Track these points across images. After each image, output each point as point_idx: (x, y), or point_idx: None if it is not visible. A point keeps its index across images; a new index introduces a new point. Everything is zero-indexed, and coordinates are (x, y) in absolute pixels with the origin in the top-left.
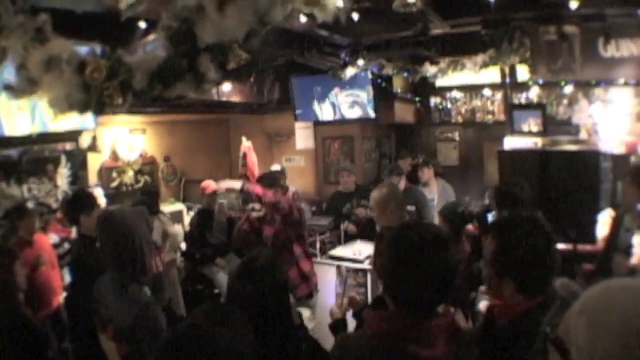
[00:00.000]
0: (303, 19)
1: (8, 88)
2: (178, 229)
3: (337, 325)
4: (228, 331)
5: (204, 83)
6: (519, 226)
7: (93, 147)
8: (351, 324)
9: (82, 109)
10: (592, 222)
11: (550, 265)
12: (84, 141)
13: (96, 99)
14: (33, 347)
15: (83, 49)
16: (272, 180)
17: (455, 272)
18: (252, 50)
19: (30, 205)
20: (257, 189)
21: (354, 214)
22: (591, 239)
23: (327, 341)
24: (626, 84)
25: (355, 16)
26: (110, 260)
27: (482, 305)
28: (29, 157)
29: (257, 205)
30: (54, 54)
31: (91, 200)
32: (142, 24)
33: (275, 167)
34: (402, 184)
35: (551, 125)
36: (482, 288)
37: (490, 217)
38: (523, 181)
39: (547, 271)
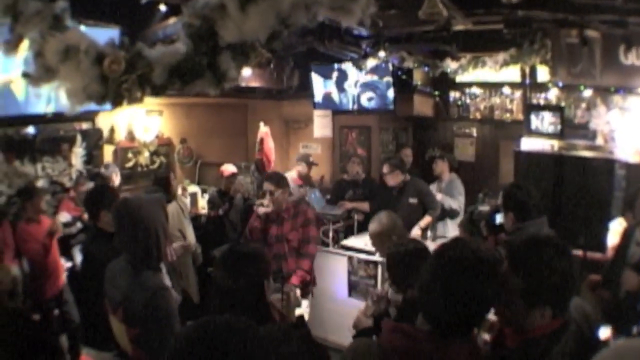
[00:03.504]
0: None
1: (26, 75)
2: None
3: (363, 335)
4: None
5: (224, 81)
6: (543, 252)
7: (110, 140)
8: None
9: (100, 100)
10: (603, 230)
11: (576, 283)
12: (101, 125)
13: (114, 92)
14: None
15: (102, 34)
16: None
17: (496, 298)
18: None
19: (40, 184)
20: None
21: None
22: (600, 247)
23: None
24: None
25: (380, 22)
26: (126, 246)
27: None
28: (44, 136)
29: (265, 201)
30: (72, 43)
31: (113, 195)
32: (162, 7)
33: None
34: (401, 177)
35: (568, 128)
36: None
37: (499, 218)
38: (530, 185)
39: (574, 290)
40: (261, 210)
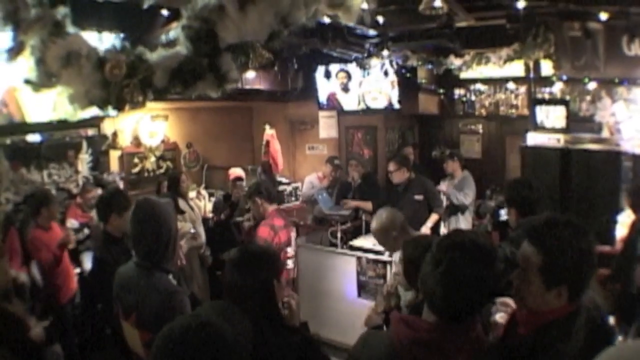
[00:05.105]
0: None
1: (28, 82)
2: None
3: None
4: (232, 327)
5: (226, 82)
6: (562, 230)
7: (113, 144)
8: None
9: (102, 105)
10: (611, 223)
11: (596, 265)
12: (107, 131)
13: (116, 96)
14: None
15: (104, 43)
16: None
17: (496, 285)
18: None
19: (53, 191)
20: None
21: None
22: (609, 240)
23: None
24: None
25: (380, 19)
26: (143, 247)
27: (499, 317)
28: (49, 143)
29: (247, 215)
30: (73, 49)
31: (126, 201)
32: (164, 12)
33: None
34: (406, 175)
35: (573, 122)
36: (500, 299)
37: (503, 214)
38: (533, 180)
39: (593, 272)
40: (246, 224)
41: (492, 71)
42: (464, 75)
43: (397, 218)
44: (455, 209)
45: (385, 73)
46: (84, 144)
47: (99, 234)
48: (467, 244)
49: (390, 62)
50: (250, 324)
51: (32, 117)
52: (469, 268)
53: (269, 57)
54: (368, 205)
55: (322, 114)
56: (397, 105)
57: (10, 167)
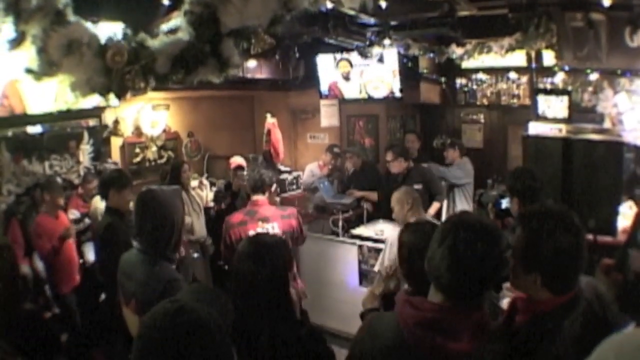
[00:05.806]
0: (329, 4)
1: (29, 71)
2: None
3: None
4: (211, 309)
5: (228, 68)
6: (547, 220)
7: (115, 131)
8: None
9: (104, 92)
10: (613, 214)
11: (578, 263)
12: (107, 121)
13: (118, 83)
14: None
15: (105, 31)
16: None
17: (503, 266)
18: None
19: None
20: None
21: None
22: (610, 230)
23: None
24: None
25: (383, 3)
26: (146, 236)
27: (506, 302)
28: (51, 134)
29: None
30: (75, 37)
31: (125, 179)
32: (166, 1)
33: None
34: (404, 164)
35: (575, 112)
36: (507, 284)
37: (504, 203)
38: (535, 169)
39: (574, 269)
40: None
41: (494, 61)
42: (465, 64)
43: (413, 193)
44: (452, 194)
45: (391, 60)
46: (85, 135)
47: (98, 223)
48: (472, 222)
49: (392, 50)
50: (266, 316)
51: (33, 109)
52: (474, 245)
53: (271, 42)
54: (373, 195)
55: (323, 102)
56: (398, 94)
57: (11, 159)
